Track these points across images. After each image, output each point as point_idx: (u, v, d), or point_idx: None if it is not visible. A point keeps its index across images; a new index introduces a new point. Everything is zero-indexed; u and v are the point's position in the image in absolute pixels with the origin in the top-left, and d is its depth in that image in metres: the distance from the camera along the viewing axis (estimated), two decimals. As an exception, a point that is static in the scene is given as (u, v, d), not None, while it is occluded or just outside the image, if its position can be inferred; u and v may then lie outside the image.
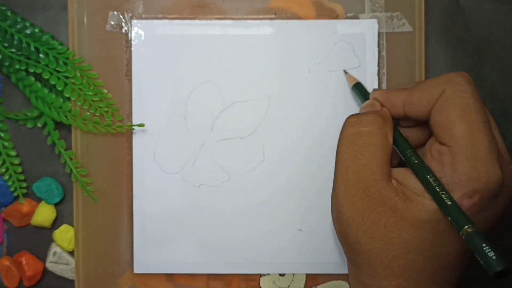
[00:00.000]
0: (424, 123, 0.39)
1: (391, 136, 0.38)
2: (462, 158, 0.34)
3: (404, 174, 0.37)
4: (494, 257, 0.31)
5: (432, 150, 0.37)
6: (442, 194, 0.34)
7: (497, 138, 0.36)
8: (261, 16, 0.47)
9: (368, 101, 0.41)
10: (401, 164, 0.39)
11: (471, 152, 0.34)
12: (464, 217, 0.33)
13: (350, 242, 0.37)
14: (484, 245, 0.31)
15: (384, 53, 0.46)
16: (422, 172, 0.35)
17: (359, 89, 0.44)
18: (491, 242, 0.32)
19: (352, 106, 0.46)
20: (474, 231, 0.32)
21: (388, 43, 0.46)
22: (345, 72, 0.46)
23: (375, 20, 0.46)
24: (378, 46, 0.46)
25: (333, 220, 0.39)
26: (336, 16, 0.47)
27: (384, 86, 0.46)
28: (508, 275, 0.31)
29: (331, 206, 0.39)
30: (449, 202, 0.33)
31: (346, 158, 0.37)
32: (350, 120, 0.39)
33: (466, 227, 0.32)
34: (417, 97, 0.37)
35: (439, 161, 0.36)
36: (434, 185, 0.34)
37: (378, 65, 0.46)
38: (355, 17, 0.47)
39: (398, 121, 0.41)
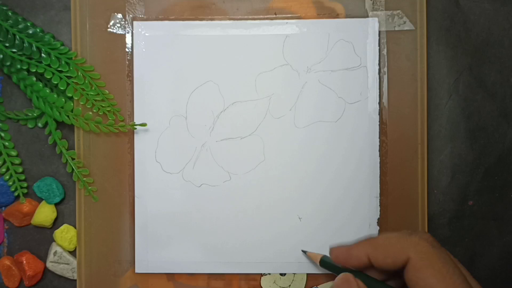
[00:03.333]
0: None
1: None
2: None
3: None
4: None
5: None
6: None
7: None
8: (261, 16, 0.47)
9: (342, 278, 0.40)
10: None
11: None
12: None
13: None
14: None
15: (385, 51, 0.47)
16: None
17: (326, 261, 0.44)
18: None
19: (352, 105, 0.46)
20: None
21: (389, 42, 0.47)
22: (304, 252, 0.47)
23: (376, 19, 0.46)
24: (379, 44, 0.47)
25: None
26: (336, 15, 0.47)
27: (385, 85, 0.47)
28: None
29: None
30: None
31: None
32: None
33: None
34: (381, 255, 0.37)
35: None
36: None
37: (379, 64, 0.47)
38: (356, 16, 0.47)
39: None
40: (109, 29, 0.47)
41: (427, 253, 0.35)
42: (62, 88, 0.45)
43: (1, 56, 0.45)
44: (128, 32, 0.47)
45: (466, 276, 0.36)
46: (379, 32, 0.47)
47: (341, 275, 0.40)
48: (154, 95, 0.47)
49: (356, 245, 0.39)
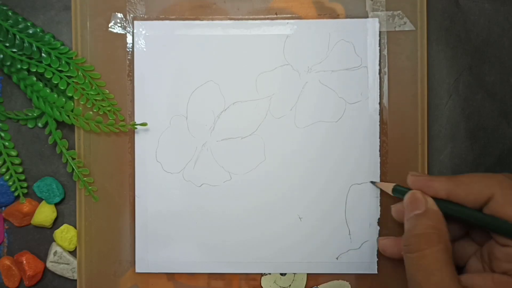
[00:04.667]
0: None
1: (448, 238, 0.38)
2: None
3: (471, 279, 0.39)
4: None
5: (497, 253, 0.38)
6: None
7: None
8: (262, 16, 0.47)
9: (410, 194, 0.40)
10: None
11: None
12: None
13: None
14: None
15: (385, 52, 0.47)
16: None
17: (399, 191, 0.43)
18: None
19: (353, 105, 0.47)
20: None
21: (390, 42, 0.47)
22: (373, 182, 0.47)
23: (376, 19, 0.47)
24: (379, 45, 0.47)
25: None
26: (337, 16, 0.47)
27: (385, 85, 0.47)
28: None
29: None
30: None
31: (419, 279, 0.37)
32: (408, 244, 0.39)
33: None
34: (463, 192, 0.38)
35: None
36: None
37: (380, 64, 0.47)
38: (356, 16, 0.47)
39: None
40: (109, 29, 0.47)
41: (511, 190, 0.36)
42: (62, 88, 0.45)
43: (1, 56, 0.45)
44: (128, 32, 0.47)
45: None
46: (380, 32, 0.47)
47: (410, 192, 0.40)
48: (155, 95, 0.47)
49: (437, 177, 0.40)
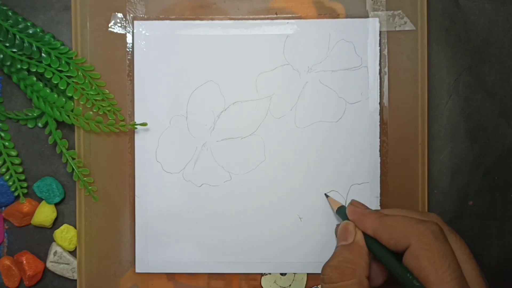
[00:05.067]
0: None
1: (365, 275, 0.38)
2: None
3: None
4: None
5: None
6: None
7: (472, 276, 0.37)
8: (262, 16, 0.47)
9: (343, 224, 0.41)
10: None
11: None
12: None
13: None
14: None
15: (385, 52, 0.47)
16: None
17: (341, 212, 0.44)
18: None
19: (353, 105, 0.46)
20: None
21: (390, 42, 0.47)
22: (327, 195, 0.47)
23: (377, 19, 0.47)
24: (380, 45, 0.47)
25: None
26: (337, 15, 0.47)
27: (385, 85, 0.47)
28: None
29: None
30: None
31: None
32: (323, 273, 0.39)
33: None
34: (385, 234, 0.38)
35: None
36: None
37: (380, 64, 0.47)
38: (356, 16, 0.47)
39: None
40: (109, 29, 0.47)
41: (429, 244, 0.35)
42: (62, 88, 0.45)
43: (1, 56, 0.45)
44: (128, 32, 0.47)
45: (472, 273, 0.36)
46: (380, 32, 0.47)
47: (343, 222, 0.41)
48: (155, 95, 0.47)
49: (369, 214, 0.40)
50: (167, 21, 0.47)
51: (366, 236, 0.39)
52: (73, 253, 0.48)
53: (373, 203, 0.47)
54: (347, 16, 0.47)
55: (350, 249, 0.39)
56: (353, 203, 0.42)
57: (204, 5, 0.47)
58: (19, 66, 0.45)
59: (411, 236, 0.36)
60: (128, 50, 0.47)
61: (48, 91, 0.45)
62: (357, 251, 0.39)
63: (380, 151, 0.47)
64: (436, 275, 0.34)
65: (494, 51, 0.48)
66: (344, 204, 0.46)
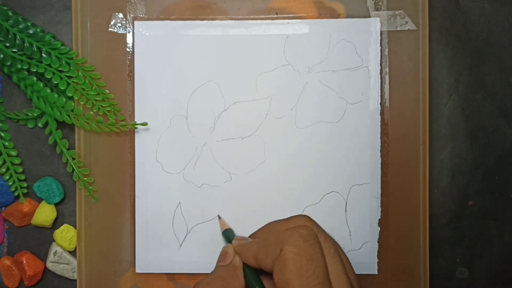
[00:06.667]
0: None
1: None
2: None
3: None
4: None
5: None
6: None
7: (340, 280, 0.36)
8: (262, 16, 0.47)
9: (224, 247, 0.41)
10: None
11: None
12: None
13: None
14: None
15: (386, 51, 0.47)
16: None
17: (227, 234, 0.45)
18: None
19: (353, 105, 0.46)
20: None
21: (391, 42, 0.47)
22: (219, 217, 0.47)
23: (378, 19, 0.47)
24: (381, 44, 0.47)
25: None
26: (337, 15, 0.47)
27: (386, 85, 0.47)
28: None
29: None
30: None
31: None
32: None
33: None
34: (263, 255, 0.37)
35: None
36: None
37: (381, 64, 0.47)
38: (357, 16, 0.47)
39: None
40: (110, 29, 0.47)
41: (296, 247, 0.34)
42: (62, 88, 0.45)
43: (2, 56, 0.45)
44: (129, 32, 0.47)
45: (337, 274, 0.35)
46: (381, 32, 0.47)
47: (226, 245, 0.42)
48: (155, 95, 0.47)
49: (248, 244, 0.39)
50: (168, 21, 0.47)
51: (245, 265, 0.39)
52: (73, 253, 0.48)
53: (374, 204, 0.47)
54: (348, 16, 0.47)
55: (226, 269, 0.39)
56: (236, 238, 0.42)
57: (204, 5, 0.47)
58: (19, 66, 0.45)
59: (281, 242, 0.35)
60: (128, 50, 0.47)
61: (48, 91, 0.45)
62: (232, 272, 0.39)
63: (381, 151, 0.47)
64: (300, 279, 0.33)
65: (494, 51, 0.48)
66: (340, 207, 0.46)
